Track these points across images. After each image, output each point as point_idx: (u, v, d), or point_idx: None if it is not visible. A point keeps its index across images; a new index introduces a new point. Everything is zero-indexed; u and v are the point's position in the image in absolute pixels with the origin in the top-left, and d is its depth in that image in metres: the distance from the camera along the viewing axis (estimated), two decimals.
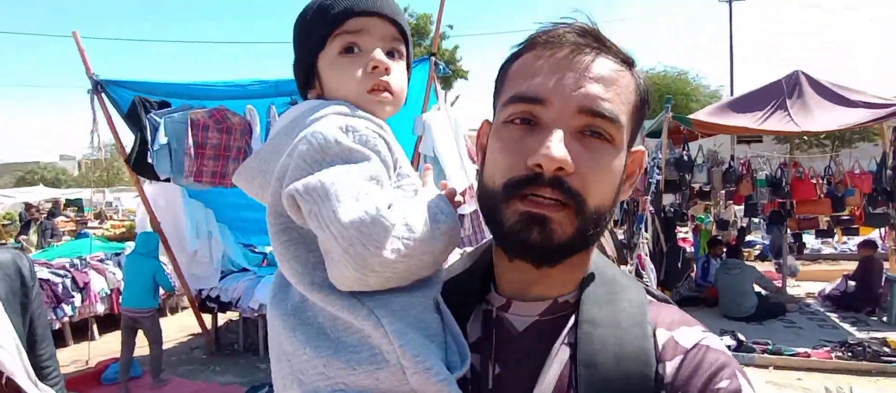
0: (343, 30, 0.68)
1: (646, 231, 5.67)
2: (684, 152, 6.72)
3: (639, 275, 5.33)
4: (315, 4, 0.70)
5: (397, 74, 0.71)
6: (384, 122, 0.69)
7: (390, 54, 0.71)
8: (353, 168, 0.57)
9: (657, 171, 6.10)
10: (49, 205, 14.04)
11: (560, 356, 0.59)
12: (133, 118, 4.14)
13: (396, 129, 0.70)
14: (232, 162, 4.23)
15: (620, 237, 7.70)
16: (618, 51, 0.59)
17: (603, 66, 0.57)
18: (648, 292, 0.66)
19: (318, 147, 0.57)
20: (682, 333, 0.59)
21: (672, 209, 7.34)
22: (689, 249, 8.47)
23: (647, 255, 5.50)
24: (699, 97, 26.26)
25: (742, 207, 7.82)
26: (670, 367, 0.56)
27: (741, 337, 5.06)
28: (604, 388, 0.55)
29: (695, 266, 7.28)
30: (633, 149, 0.64)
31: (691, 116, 6.41)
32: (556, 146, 0.53)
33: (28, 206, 11.98)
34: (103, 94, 4.35)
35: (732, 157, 7.20)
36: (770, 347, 4.92)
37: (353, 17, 0.68)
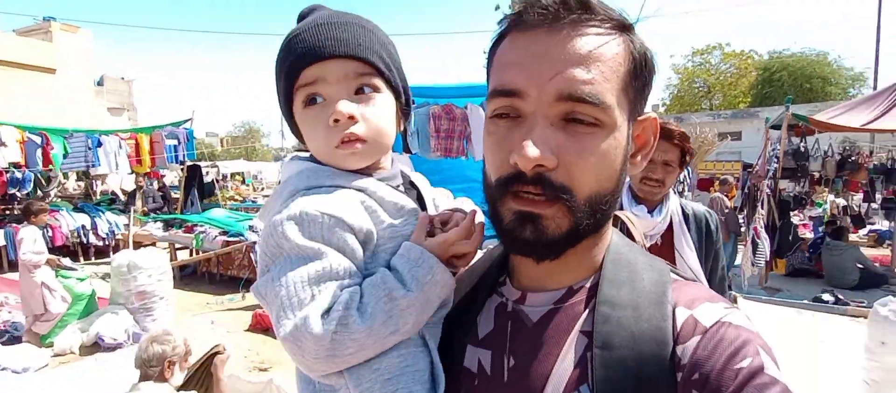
0: (300, 83, 0.71)
1: (762, 208, 7.38)
2: (802, 144, 8.19)
3: (754, 244, 7.09)
4: (279, 52, 0.72)
5: (371, 115, 0.72)
6: (360, 189, 0.71)
7: (361, 91, 0.71)
8: (299, 272, 0.63)
9: (776, 160, 7.72)
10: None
11: (576, 342, 0.61)
12: None
13: None
14: (455, 140, 6.73)
15: (740, 218, 9.30)
16: (604, 15, 0.58)
17: (583, 40, 0.56)
18: (673, 271, 0.67)
19: (275, 244, 0.65)
20: (703, 311, 0.60)
21: (791, 194, 8.81)
22: (809, 233, 9.76)
23: (762, 227, 7.23)
24: (839, 80, 25.53)
25: (861, 194, 9.03)
26: (689, 347, 0.57)
27: (839, 295, 6.66)
28: (619, 369, 0.56)
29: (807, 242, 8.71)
30: (642, 117, 0.65)
31: (811, 116, 7.75)
32: (531, 146, 0.55)
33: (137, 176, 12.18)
34: None
35: (845, 148, 8.49)
36: (864, 304, 6.48)
37: (305, 68, 0.70)
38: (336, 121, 0.70)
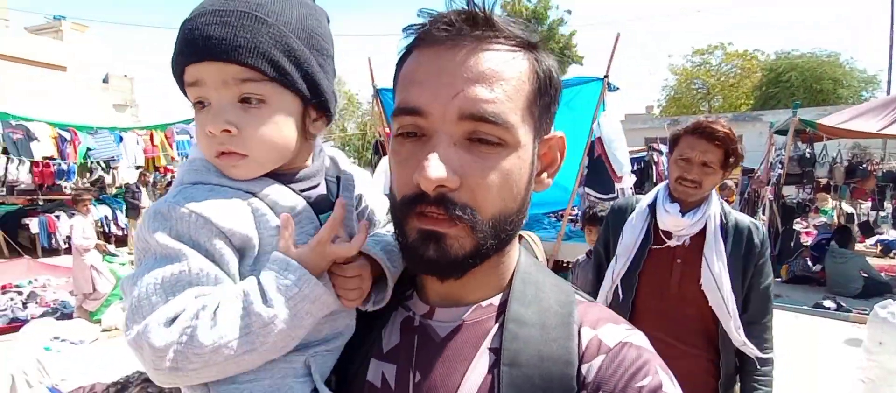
0: (185, 82, 0.65)
1: (763, 215, 7.54)
2: (808, 149, 8.29)
3: None
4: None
5: (254, 130, 0.64)
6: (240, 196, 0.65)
7: (247, 101, 0.64)
8: (154, 273, 0.59)
9: (780, 165, 7.86)
10: None
11: (484, 358, 0.62)
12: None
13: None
14: None
15: None
16: (509, 33, 0.58)
17: (485, 59, 0.56)
18: (577, 293, 0.69)
19: (143, 238, 0.61)
20: (606, 332, 0.62)
21: (795, 200, 8.90)
22: (810, 240, 9.83)
23: None
24: (851, 82, 25.29)
25: (869, 201, 9.07)
26: (593, 366, 0.59)
27: (841, 302, 6.75)
28: (526, 387, 0.58)
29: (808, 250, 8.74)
30: (548, 135, 0.65)
31: (820, 121, 7.68)
32: (432, 167, 0.54)
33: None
34: (379, 98, 6.38)
35: (854, 155, 8.55)
36: (866, 311, 6.59)
37: (187, 67, 0.64)
38: (211, 132, 0.64)
